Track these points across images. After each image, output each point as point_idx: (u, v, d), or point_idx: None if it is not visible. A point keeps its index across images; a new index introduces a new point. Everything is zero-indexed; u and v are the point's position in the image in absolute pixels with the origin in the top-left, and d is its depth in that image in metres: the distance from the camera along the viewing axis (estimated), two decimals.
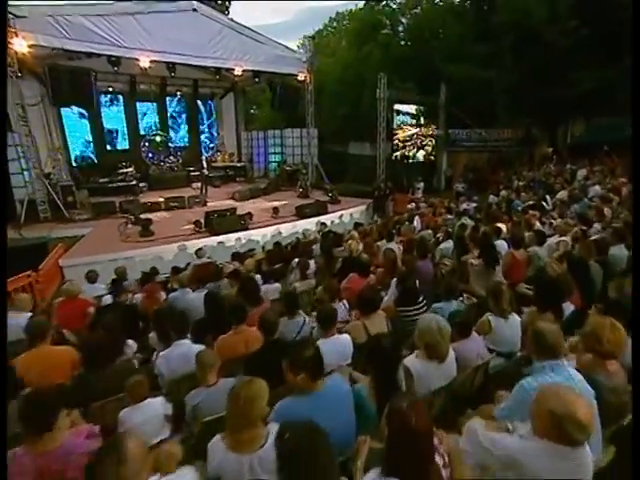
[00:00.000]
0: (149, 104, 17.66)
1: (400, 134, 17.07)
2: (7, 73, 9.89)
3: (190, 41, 12.36)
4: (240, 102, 19.74)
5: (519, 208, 8.25)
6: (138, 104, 17.34)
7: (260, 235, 10.32)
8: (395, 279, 3.85)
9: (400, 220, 9.45)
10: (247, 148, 19.91)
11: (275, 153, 19.11)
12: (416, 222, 9.31)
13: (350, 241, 6.73)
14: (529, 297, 3.69)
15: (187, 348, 3.16)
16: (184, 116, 18.87)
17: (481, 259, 4.37)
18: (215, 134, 19.90)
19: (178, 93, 17.80)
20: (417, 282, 4.10)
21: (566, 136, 17.15)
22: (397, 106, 16.54)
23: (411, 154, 17.94)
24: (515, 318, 2.98)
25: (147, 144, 17.55)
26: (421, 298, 3.55)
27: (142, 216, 10.91)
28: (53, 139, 15.26)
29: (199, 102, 18.94)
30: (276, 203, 13.23)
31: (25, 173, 12.17)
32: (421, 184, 14.19)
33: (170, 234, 9.79)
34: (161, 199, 12.85)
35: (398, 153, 17.41)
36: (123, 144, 17.48)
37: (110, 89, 16.11)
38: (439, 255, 5.98)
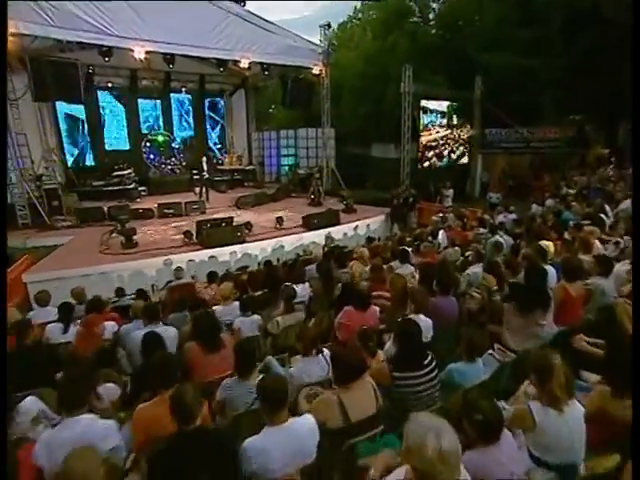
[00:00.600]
0: (151, 101, 17.40)
1: (426, 136, 16.01)
2: (7, 72, 9.81)
3: (190, 29, 11.83)
4: (251, 99, 19.27)
5: (571, 222, 7.11)
6: (140, 101, 17.16)
7: (259, 249, 9.53)
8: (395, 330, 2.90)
9: (421, 235, 8.45)
10: (258, 150, 19.42)
11: (288, 155, 18.46)
12: (441, 237, 8.30)
13: (353, 261, 5.82)
14: (594, 357, 2.70)
15: (84, 427, 2.35)
16: (190, 114, 18.55)
17: (518, 301, 3.34)
18: (223, 134, 19.51)
19: (183, 89, 17.49)
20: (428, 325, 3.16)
21: (627, 134, 15.61)
22: (424, 102, 15.53)
23: (443, 160, 16.86)
24: (574, 409, 2.00)
25: (148, 144, 17.31)
26: (429, 358, 2.61)
27: (130, 225, 10.43)
28: (48, 138, 15.23)
29: (206, 99, 18.64)
30: (283, 212, 12.50)
31: (12, 175, 11.96)
32: (450, 191, 13.11)
33: (156, 246, 9.15)
34: (155, 205, 12.31)
35: (430, 155, 16.32)
36: (123, 144, 17.22)
37: (109, 85, 15.93)
38: (465, 282, 4.98)
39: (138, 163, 16.66)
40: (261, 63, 13.92)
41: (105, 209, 11.77)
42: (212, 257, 8.93)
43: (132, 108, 17.04)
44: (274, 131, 18.96)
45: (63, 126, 15.84)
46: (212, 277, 6.02)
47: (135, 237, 9.41)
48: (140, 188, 15.28)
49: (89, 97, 15.57)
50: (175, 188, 15.60)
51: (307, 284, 5.48)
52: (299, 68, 14.50)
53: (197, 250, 8.96)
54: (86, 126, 16.24)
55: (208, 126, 19.09)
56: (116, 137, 17.11)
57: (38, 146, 14.65)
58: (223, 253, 9.09)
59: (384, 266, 5.35)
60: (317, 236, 10.52)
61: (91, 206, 12.27)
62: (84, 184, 15.04)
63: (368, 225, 11.81)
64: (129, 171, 15.56)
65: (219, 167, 17.24)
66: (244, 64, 13.28)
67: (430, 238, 8.15)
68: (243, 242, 9.43)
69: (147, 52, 11.64)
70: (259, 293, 5.11)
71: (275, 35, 13.40)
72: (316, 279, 5.67)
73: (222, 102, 19.13)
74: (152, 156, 17.28)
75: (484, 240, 7.47)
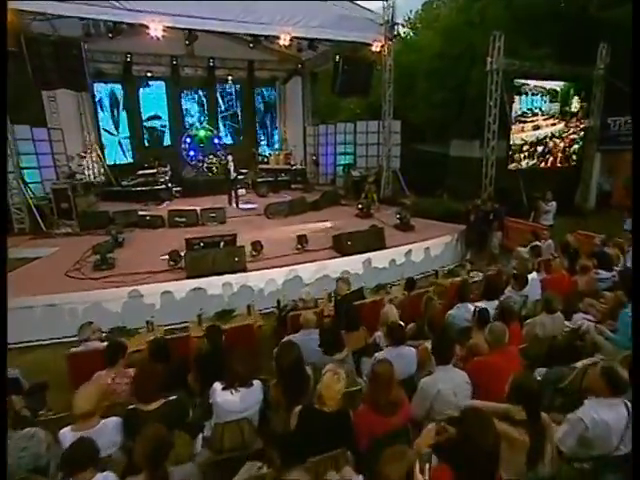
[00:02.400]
0: (194, 92, 16.23)
1: (520, 127, 12.33)
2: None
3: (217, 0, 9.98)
4: (307, 88, 17.11)
5: None
6: (182, 92, 16.05)
7: (264, 280, 7.23)
8: None
9: (494, 279, 5.52)
10: (314, 147, 17.26)
11: (345, 154, 16.06)
12: (532, 283, 5.26)
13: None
14: None
15: None
16: (236, 106, 17.10)
17: None
18: (274, 128, 17.79)
19: (229, 78, 15.92)
20: None
21: None
22: (521, 82, 11.93)
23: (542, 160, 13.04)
24: None
25: (188, 140, 16.08)
26: None
27: (133, 235, 8.86)
28: (84, 132, 14.55)
29: (256, 89, 17.12)
30: (322, 225, 10.13)
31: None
32: (552, 204, 9.56)
33: (135, 269, 7.28)
34: (173, 210, 10.74)
35: (524, 153, 12.63)
36: (165, 139, 16.19)
37: (149, 74, 14.87)
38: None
39: (179, 161, 15.56)
40: (305, 39, 11.62)
41: (111, 214, 10.34)
42: (198, 289, 6.82)
43: (174, 99, 15.98)
44: (332, 124, 16.56)
45: (102, 120, 15.05)
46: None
47: (115, 256, 7.70)
48: (175, 189, 14.07)
49: (129, 86, 14.77)
50: (211, 190, 13.98)
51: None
52: (354, 44, 11.97)
53: (182, 279, 6.90)
54: (125, 119, 15.41)
55: (257, 119, 17.53)
56: (159, 132, 16.15)
57: (74, 141, 14.15)
58: (213, 284, 6.93)
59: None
60: (352, 263, 7.96)
61: (101, 210, 11.01)
62: (114, 184, 14.13)
63: (427, 249, 8.90)
64: (165, 169, 14.42)
65: (262, 166, 15.35)
66: (284, 40, 11.10)
67: (509, 288, 5.16)
68: (244, 270, 7.19)
69: (165, 28, 9.96)
70: None
71: (323, 3, 11.03)
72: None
73: (274, 92, 17.50)
74: (192, 153, 16.07)
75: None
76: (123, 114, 15.32)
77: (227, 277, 7.01)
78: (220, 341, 3.87)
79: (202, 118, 16.46)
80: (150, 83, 15.33)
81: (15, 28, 9.15)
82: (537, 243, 7.27)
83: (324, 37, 11.36)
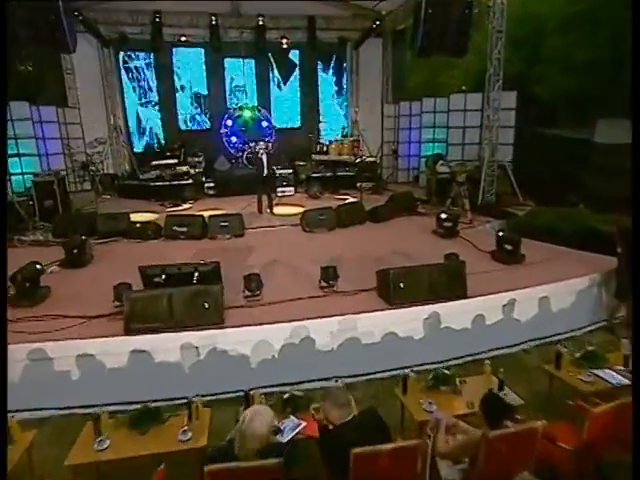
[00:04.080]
0: (239, 61, 14.81)
1: None
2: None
3: None
4: (388, 52, 14.74)
5: None
6: (223, 61, 14.76)
7: (251, 344, 5.08)
8: None
9: None
10: (394, 132, 14.84)
11: (434, 141, 13.50)
12: None
13: None
14: None
15: None
16: (293, 79, 15.38)
17: None
18: (340, 107, 15.95)
19: (285, 42, 14.10)
20: None
21: None
22: None
23: None
24: None
25: (229, 122, 14.73)
26: None
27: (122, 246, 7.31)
28: (109, 112, 13.84)
29: (319, 55, 15.23)
30: (372, 247, 7.81)
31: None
32: None
33: (69, 310, 5.54)
34: (172, 215, 9.18)
35: None
36: (202, 122, 15.21)
37: (183, 38, 13.71)
38: None
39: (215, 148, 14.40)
40: None
41: (100, 217, 9.01)
42: (139, 353, 4.86)
43: (215, 71, 14.76)
44: (417, 101, 13.96)
45: (128, 97, 14.31)
46: None
47: (54, 283, 6.13)
48: (209, 185, 12.82)
49: (162, 55, 13.99)
50: (249, 188, 12.16)
51: None
52: None
53: (118, 335, 4.99)
54: (155, 96, 14.66)
55: (320, 95, 15.70)
56: (197, 111, 15.12)
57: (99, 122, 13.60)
58: (164, 346, 4.92)
59: None
60: (404, 319, 5.48)
61: (86, 212, 10.11)
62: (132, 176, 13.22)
63: (545, 300, 6.02)
64: (198, 159, 13.44)
65: (316, 157, 13.48)
66: None
67: None
68: (219, 323, 5.10)
69: None
70: None
71: None
72: None
73: (342, 58, 15.46)
74: (234, 139, 14.66)
75: None
76: (152, 90, 14.51)
77: (189, 335, 4.96)
78: None
79: (248, 94, 15.10)
80: (184, 50, 14.36)
81: None
82: None
83: None
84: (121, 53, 13.83)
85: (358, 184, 12.13)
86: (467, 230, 8.70)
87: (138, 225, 8.65)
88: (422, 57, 10.42)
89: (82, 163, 12.96)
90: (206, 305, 5.09)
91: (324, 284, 5.96)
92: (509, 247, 7.09)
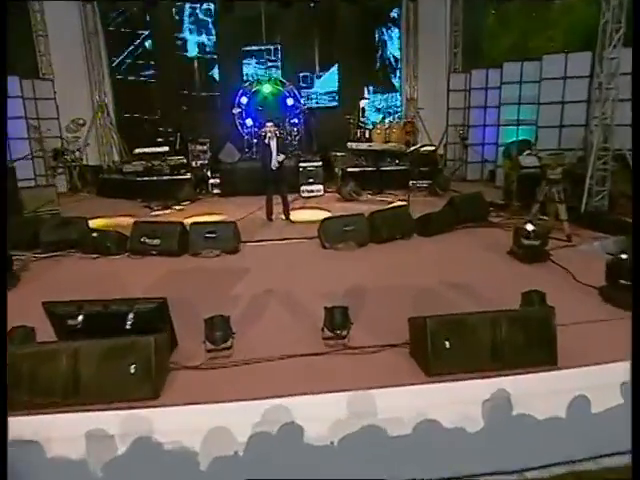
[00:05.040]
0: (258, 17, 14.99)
1: None
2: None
3: None
4: (459, 5, 14.26)
5: None
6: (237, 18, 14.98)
7: (201, 431, 4.06)
8: None
9: None
10: (463, 112, 14.13)
11: (518, 123, 12.59)
12: None
13: None
14: None
15: None
16: (330, 42, 15.56)
17: None
18: (396, 79, 16.05)
19: None
20: None
21: None
22: None
23: None
24: None
25: (245, 100, 14.74)
26: None
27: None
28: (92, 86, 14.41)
29: (365, 12, 15.21)
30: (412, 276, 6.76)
31: None
32: None
33: None
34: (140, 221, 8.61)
35: None
36: (211, 98, 16.06)
37: None
38: None
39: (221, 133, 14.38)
40: None
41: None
42: (21, 444, 3.89)
43: (224, 30, 15.02)
44: (496, 69, 12.98)
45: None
46: None
47: None
48: (213, 181, 12.76)
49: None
50: (259, 186, 11.54)
51: None
52: None
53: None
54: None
55: (366, 63, 15.91)
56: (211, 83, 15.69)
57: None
58: (54, 437, 3.97)
59: None
60: (454, 397, 4.29)
61: (31, 217, 9.49)
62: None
63: None
64: (202, 147, 13.37)
65: (353, 145, 12.95)
66: None
67: None
68: (153, 399, 4.11)
69: None
70: None
71: None
72: None
73: (396, 14, 15.44)
74: (250, 121, 14.54)
75: None
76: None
77: (102, 417, 3.95)
78: None
79: (269, 65, 15.35)
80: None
81: None
82: None
83: None
84: None
85: (411, 182, 11.53)
86: (562, 251, 7.47)
87: (95, 235, 7.91)
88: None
89: (54, 150, 12.85)
90: (132, 369, 4.05)
91: (329, 334, 4.84)
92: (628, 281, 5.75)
